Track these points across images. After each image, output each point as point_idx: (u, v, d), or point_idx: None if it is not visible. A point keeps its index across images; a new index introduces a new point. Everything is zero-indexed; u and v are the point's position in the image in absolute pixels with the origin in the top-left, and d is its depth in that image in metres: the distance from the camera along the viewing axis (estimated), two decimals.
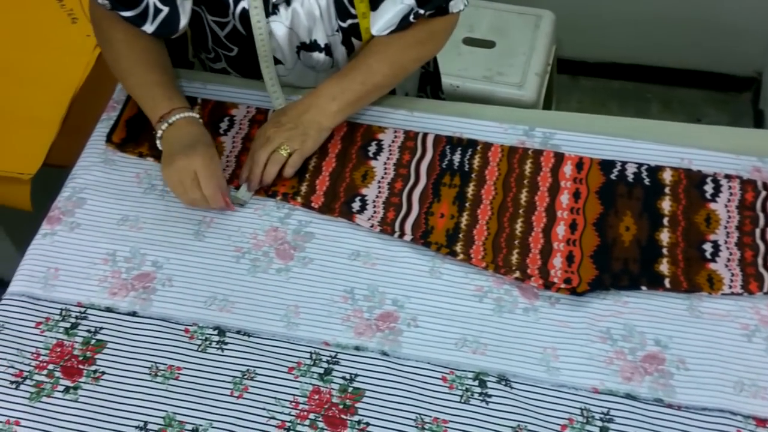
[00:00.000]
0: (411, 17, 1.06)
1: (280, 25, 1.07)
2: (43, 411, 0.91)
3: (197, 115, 1.07)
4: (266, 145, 1.05)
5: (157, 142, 1.05)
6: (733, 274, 0.97)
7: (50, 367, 0.94)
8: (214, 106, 1.17)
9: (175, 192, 1.04)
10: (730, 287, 0.96)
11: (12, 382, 0.93)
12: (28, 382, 0.93)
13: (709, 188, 1.05)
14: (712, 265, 0.99)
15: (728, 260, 0.99)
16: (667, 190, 1.05)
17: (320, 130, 1.07)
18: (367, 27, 1.09)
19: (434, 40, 1.14)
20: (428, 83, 1.36)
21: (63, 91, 1.29)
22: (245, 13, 1.06)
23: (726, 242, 1.00)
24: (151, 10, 1.04)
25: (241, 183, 1.07)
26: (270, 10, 1.06)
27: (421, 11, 1.05)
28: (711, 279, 0.97)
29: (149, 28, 1.06)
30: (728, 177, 1.06)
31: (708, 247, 1.00)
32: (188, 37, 1.32)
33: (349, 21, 1.08)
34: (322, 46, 1.11)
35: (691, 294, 0.97)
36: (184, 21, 1.06)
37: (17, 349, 0.96)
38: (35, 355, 0.95)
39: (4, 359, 0.95)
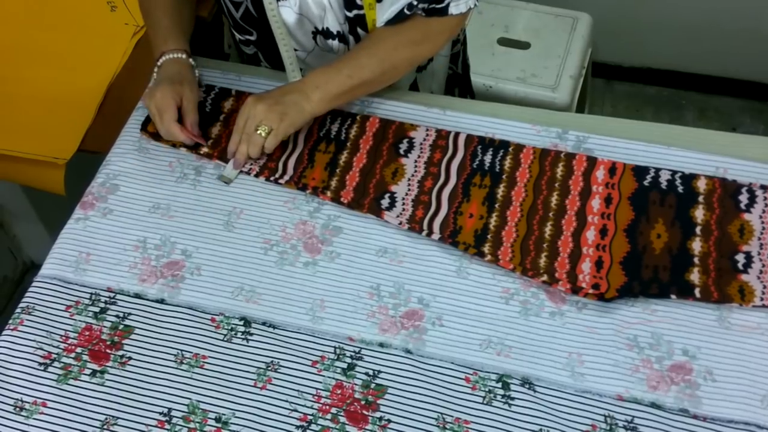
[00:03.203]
0: (405, 10, 1.05)
1: (289, 11, 1.08)
2: (70, 393, 0.92)
3: (184, 56, 1.13)
4: (248, 122, 1.06)
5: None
6: (765, 286, 0.96)
7: (78, 350, 0.96)
8: None
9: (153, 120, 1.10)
10: (762, 299, 0.95)
11: (41, 364, 0.94)
12: (56, 364, 0.94)
13: (743, 198, 1.03)
14: (744, 277, 0.97)
15: (761, 272, 0.97)
16: (700, 198, 1.04)
17: (300, 111, 1.06)
18: (374, 18, 1.08)
19: (429, 41, 1.11)
20: (456, 85, 1.34)
21: (100, 79, 1.31)
22: None
23: (759, 254, 0.99)
24: None
25: (230, 158, 1.09)
26: None
27: (415, 2, 1.04)
28: (742, 290, 0.96)
29: None
30: (764, 187, 1.04)
31: (741, 258, 0.99)
32: (224, 28, 1.34)
33: (355, 11, 1.08)
34: (335, 33, 1.11)
35: (722, 305, 0.96)
36: None
37: (47, 331, 0.97)
38: (64, 338, 0.97)
39: (34, 341, 0.96)
